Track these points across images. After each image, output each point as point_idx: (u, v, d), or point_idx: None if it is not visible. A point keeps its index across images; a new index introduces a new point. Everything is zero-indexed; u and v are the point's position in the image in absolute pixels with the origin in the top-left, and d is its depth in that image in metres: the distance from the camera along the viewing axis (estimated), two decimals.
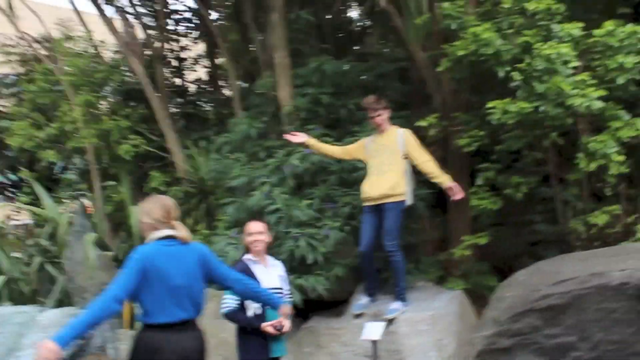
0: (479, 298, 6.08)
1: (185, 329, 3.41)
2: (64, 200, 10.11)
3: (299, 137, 5.76)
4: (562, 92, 5.02)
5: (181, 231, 3.47)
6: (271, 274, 4.28)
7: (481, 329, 5.10)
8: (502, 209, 5.86)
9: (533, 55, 5.20)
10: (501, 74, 5.35)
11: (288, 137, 5.79)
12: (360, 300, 5.70)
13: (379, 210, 5.51)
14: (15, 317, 6.06)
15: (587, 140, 5.27)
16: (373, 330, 5.20)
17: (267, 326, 4.08)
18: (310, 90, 6.84)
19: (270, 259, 4.41)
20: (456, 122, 5.98)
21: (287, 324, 4.11)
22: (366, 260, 5.54)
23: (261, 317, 4.14)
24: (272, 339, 4.15)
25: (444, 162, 6.33)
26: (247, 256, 4.32)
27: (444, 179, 5.49)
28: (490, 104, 5.31)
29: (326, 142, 6.34)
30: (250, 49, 9.88)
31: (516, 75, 5.17)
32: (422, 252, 6.14)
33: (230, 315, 4.23)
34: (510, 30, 5.50)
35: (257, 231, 4.32)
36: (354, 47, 8.31)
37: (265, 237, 4.36)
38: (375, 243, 5.50)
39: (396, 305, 5.49)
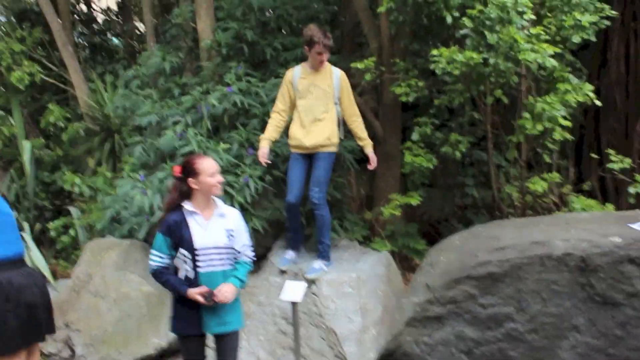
0: (405, 261, 5.52)
1: (24, 265, 3.24)
2: None
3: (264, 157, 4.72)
4: (514, 45, 4.38)
5: None
6: (213, 229, 3.26)
7: (411, 295, 4.51)
8: (432, 170, 5.22)
9: (486, 2, 4.50)
10: (449, 19, 4.65)
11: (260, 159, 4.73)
12: (286, 255, 4.93)
13: (308, 158, 4.73)
14: None
15: (533, 101, 4.68)
16: (293, 290, 4.48)
17: (195, 294, 3.15)
18: (233, 24, 5.84)
19: (219, 207, 3.33)
20: (394, 69, 5.22)
21: (225, 294, 3.18)
22: (294, 211, 4.76)
23: (191, 282, 3.21)
24: (206, 310, 3.22)
25: (375, 114, 5.62)
26: (186, 204, 3.25)
27: (367, 144, 4.82)
28: (434, 52, 4.59)
29: (249, 82, 5.44)
30: None
31: (467, 22, 4.46)
32: (346, 209, 5.42)
33: (155, 275, 3.26)
34: None
35: (217, 169, 3.30)
36: None
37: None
38: (303, 194, 4.72)
39: (319, 264, 4.78)
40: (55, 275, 6.35)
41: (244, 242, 3.39)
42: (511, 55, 4.47)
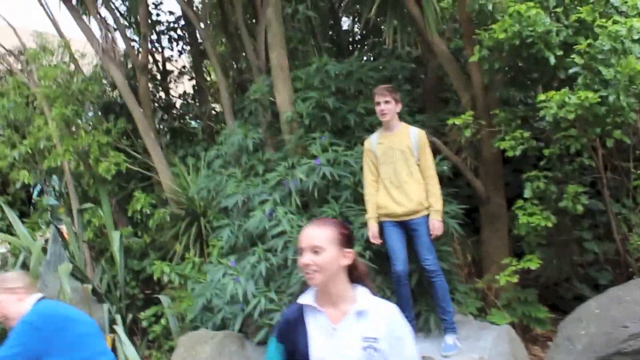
0: (525, 332, 4.77)
1: None
2: (42, 227, 8.64)
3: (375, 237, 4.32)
4: (636, 77, 3.75)
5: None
6: (342, 336, 2.05)
7: None
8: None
9: (594, 35, 3.94)
10: (552, 60, 4.08)
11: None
12: None
13: (402, 225, 4.26)
14: None
15: None
16: None
17: None
18: (313, 94, 5.51)
19: (359, 302, 2.08)
20: (493, 122, 4.68)
21: None
22: (403, 282, 4.22)
23: None
24: None
25: (475, 172, 5.05)
26: (306, 295, 2.17)
27: (437, 209, 4.22)
28: (541, 96, 4.03)
29: (336, 151, 5.02)
30: (239, 60, 8.63)
31: (577, 59, 3.89)
32: (456, 279, 4.77)
33: None
34: (559, 9, 4.25)
35: (307, 244, 2.06)
36: (360, 46, 6.98)
37: (327, 259, 2.04)
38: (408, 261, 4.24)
39: (452, 339, 4.20)
40: None
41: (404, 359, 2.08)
42: (632, 90, 3.84)
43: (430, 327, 4.43)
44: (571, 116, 3.90)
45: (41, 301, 3.00)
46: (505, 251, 4.96)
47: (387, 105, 4.27)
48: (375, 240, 4.27)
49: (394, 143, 4.29)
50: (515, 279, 4.42)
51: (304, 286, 2.22)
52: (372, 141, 4.41)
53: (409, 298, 4.30)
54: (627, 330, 3.46)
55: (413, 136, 4.29)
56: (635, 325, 3.45)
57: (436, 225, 4.21)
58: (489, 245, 5.03)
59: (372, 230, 4.29)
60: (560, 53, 4.10)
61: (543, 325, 4.66)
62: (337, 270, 2.07)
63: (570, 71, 4.01)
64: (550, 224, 4.31)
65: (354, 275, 2.15)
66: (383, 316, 2.07)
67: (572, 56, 3.95)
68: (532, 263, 4.37)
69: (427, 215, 4.23)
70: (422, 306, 4.50)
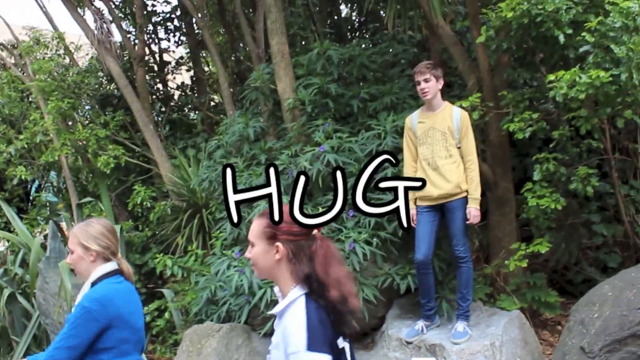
0: (534, 317, 4.73)
1: None
2: (40, 223, 8.57)
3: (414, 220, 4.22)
4: None
5: (126, 264, 2.74)
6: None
7: None
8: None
9: (605, 12, 3.87)
10: (562, 38, 4.01)
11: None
12: (416, 325, 4.28)
13: (438, 209, 4.17)
14: None
15: None
16: None
17: None
18: (315, 80, 5.43)
19: (283, 302, 1.92)
20: (501, 103, 4.61)
21: None
22: (424, 270, 4.16)
23: None
24: None
25: (482, 156, 4.98)
26: None
27: (476, 197, 4.15)
28: (550, 76, 3.96)
29: (340, 138, 4.93)
30: (237, 49, 8.55)
31: (587, 37, 3.81)
32: None
33: None
34: None
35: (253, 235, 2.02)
36: (359, 32, 6.90)
37: (255, 254, 1.97)
38: (434, 250, 4.20)
39: (462, 325, 4.14)
40: None
41: None
42: None
43: (440, 314, 4.39)
44: (582, 96, 3.82)
45: (108, 279, 2.58)
46: (514, 236, 4.90)
47: (428, 84, 4.16)
48: (413, 223, 4.16)
49: (435, 123, 4.19)
50: (524, 264, 4.37)
51: None
52: (413, 119, 4.31)
53: (432, 287, 4.24)
54: None
55: (456, 117, 4.18)
56: None
57: (473, 214, 4.14)
58: (497, 230, 4.96)
59: (412, 212, 4.18)
60: (570, 31, 4.03)
61: (553, 310, 4.61)
62: (271, 265, 1.93)
63: (581, 50, 3.94)
64: (559, 207, 4.25)
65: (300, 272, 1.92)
66: (283, 325, 1.86)
67: (582, 34, 3.88)
68: (542, 247, 4.31)
69: (465, 199, 4.15)
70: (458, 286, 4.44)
